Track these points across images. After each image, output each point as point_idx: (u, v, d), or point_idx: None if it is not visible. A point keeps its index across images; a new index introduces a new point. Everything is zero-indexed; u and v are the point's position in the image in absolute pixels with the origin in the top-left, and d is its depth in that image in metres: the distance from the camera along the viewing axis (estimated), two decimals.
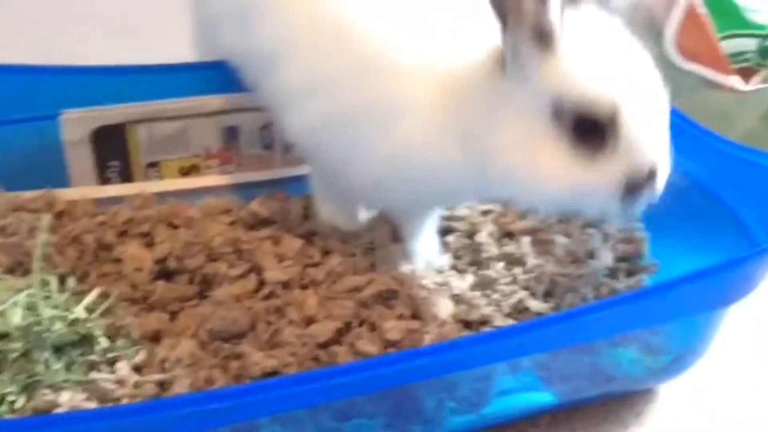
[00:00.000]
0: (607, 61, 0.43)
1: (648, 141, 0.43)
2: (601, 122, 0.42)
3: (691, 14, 0.68)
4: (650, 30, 0.69)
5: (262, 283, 0.54)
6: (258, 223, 0.58)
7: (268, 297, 0.53)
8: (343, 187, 0.53)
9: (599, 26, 0.44)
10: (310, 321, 0.51)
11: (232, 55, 0.58)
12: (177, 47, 0.65)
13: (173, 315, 0.52)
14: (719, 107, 0.70)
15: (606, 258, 0.59)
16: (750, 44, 0.69)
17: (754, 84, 0.69)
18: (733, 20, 0.70)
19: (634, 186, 0.43)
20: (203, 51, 0.64)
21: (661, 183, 0.44)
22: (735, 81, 0.68)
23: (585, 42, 0.43)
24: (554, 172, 0.42)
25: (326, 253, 0.55)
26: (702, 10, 0.67)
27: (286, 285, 0.54)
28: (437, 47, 0.46)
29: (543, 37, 0.42)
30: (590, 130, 0.42)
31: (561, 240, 0.60)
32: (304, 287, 0.54)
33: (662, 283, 0.56)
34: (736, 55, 0.69)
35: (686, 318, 0.48)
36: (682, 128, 0.58)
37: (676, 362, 0.52)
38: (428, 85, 0.46)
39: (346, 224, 0.57)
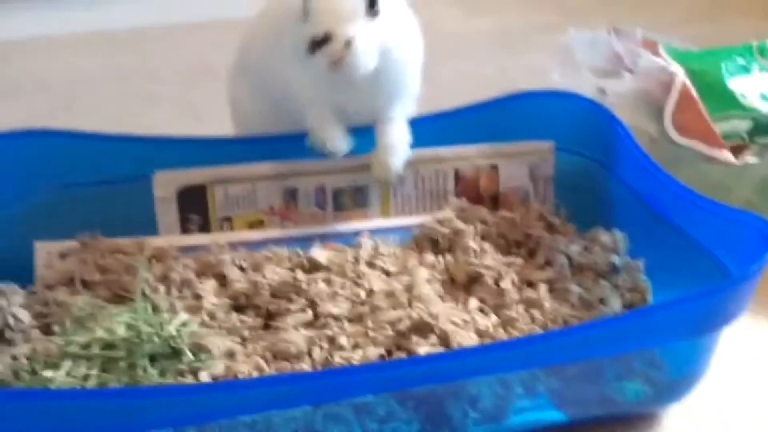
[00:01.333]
0: None
1: (324, 12, 0.61)
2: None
3: (685, 96, 0.78)
4: (651, 110, 0.80)
5: (317, 317, 0.64)
6: (313, 268, 0.69)
7: (321, 327, 0.63)
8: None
9: None
10: (356, 347, 0.61)
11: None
12: None
13: (244, 340, 0.62)
14: (717, 179, 0.79)
15: (615, 304, 0.68)
16: (741, 125, 0.79)
17: (746, 159, 0.78)
18: (726, 103, 0.80)
19: (314, 45, 0.62)
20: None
21: (337, 46, 0.62)
22: (728, 156, 0.78)
23: None
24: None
25: (371, 291, 0.66)
26: (694, 92, 0.78)
27: (336, 318, 0.64)
28: None
29: None
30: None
31: (575, 289, 0.69)
32: (351, 320, 0.64)
33: (656, 304, 0.64)
34: (728, 135, 0.79)
35: (682, 340, 0.56)
36: (679, 194, 0.68)
37: (675, 388, 0.60)
38: None
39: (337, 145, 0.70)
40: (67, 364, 0.53)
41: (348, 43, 0.61)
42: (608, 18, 1.22)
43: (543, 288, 0.68)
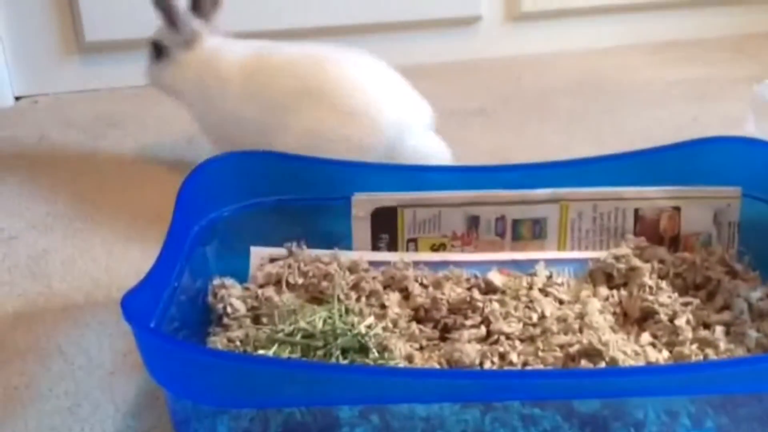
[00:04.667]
0: None
1: None
2: None
3: None
4: None
5: (489, 334, 0.69)
6: (490, 290, 0.74)
7: (494, 343, 0.67)
8: None
9: None
10: (526, 364, 0.65)
11: None
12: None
13: (421, 348, 0.68)
14: None
15: None
16: None
17: None
18: None
19: None
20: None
21: None
22: None
23: None
24: None
25: (543, 315, 0.69)
26: None
27: (508, 336, 0.68)
28: None
29: None
30: None
31: (753, 334, 0.68)
32: (522, 340, 0.68)
33: None
34: None
35: None
36: None
37: None
38: None
39: None
40: (273, 348, 0.62)
41: None
42: None
43: (719, 329, 0.68)
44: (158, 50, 1.03)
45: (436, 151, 0.93)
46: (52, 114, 1.24)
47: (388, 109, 0.93)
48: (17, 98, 1.37)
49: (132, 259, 0.87)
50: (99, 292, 0.82)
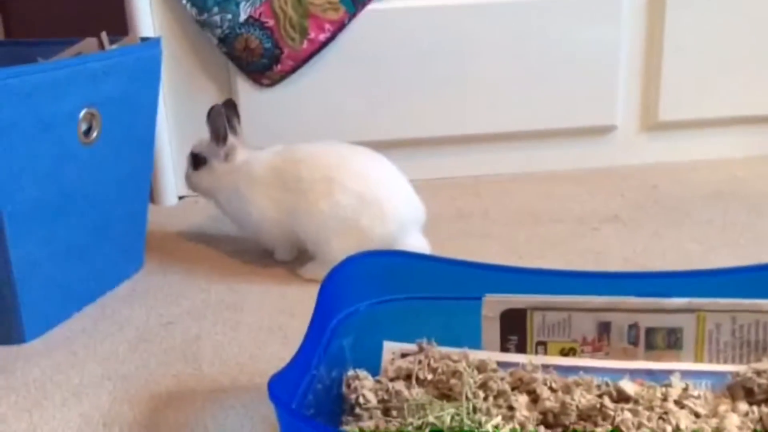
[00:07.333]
0: None
1: None
2: None
3: None
4: None
5: None
6: (621, 398, 0.73)
7: None
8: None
9: None
10: None
11: None
12: None
13: None
14: None
15: None
16: None
17: None
18: None
19: None
20: None
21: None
22: None
23: None
24: None
25: (677, 428, 0.67)
26: None
27: None
28: None
29: None
30: None
31: None
32: None
33: None
34: None
35: None
36: None
37: None
38: None
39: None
40: None
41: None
42: None
43: None
44: (197, 161, 1.20)
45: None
46: (210, 211, 1.36)
47: (398, 202, 1.09)
48: (180, 197, 1.51)
49: (274, 349, 0.93)
50: (243, 377, 0.87)
